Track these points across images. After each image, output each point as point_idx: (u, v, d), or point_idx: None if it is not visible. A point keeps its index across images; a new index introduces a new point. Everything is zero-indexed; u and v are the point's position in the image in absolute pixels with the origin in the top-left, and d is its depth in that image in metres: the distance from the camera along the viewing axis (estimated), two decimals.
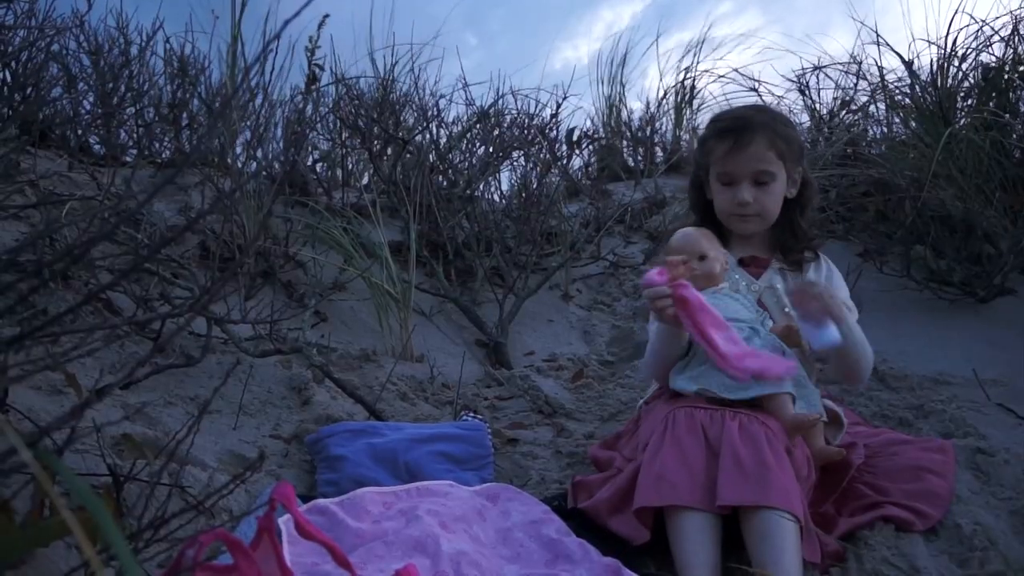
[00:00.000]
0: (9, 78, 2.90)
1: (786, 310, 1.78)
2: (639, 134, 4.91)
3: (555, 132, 3.98)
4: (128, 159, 3.45)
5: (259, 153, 3.23)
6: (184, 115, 3.58)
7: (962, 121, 2.98)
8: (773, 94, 4.24)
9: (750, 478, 1.44)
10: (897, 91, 3.46)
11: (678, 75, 4.90)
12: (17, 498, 1.16)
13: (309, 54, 3.05)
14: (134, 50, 3.52)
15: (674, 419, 1.58)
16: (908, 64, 3.26)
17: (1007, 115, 2.98)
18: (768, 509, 1.41)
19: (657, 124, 4.90)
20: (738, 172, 1.83)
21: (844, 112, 3.98)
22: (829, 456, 1.64)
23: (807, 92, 4.12)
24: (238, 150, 3.16)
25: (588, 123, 4.87)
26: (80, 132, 3.36)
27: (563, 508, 1.67)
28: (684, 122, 4.90)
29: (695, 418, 1.57)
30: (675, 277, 1.60)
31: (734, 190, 1.84)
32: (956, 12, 3.14)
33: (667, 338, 1.74)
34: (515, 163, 3.91)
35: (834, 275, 1.92)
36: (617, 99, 4.85)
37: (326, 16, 3.13)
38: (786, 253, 1.91)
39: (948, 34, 3.14)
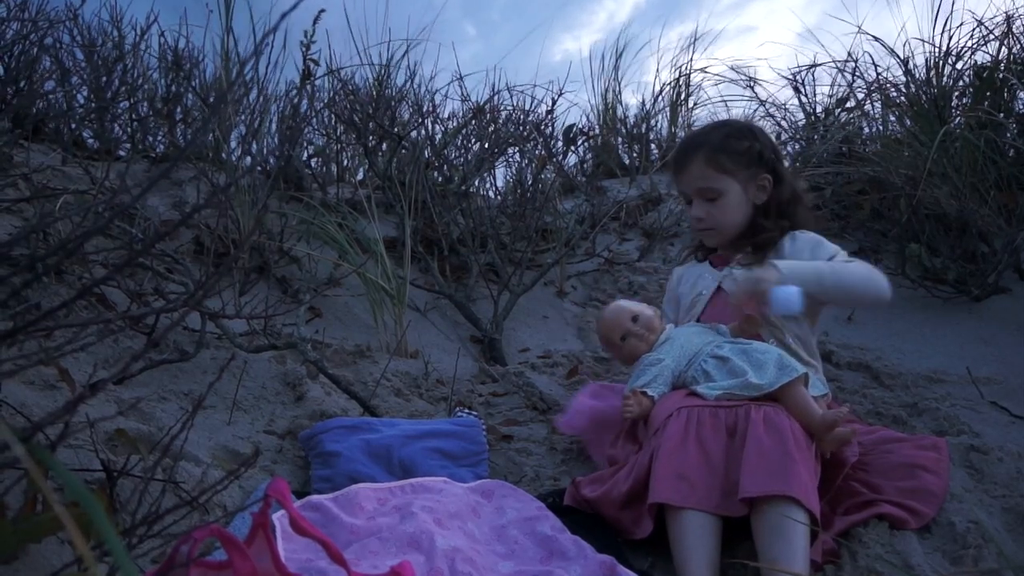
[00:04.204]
0: (2, 71, 2.89)
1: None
2: (634, 131, 4.91)
3: (551, 128, 3.98)
4: (122, 153, 3.44)
5: (254, 148, 3.22)
6: (178, 109, 3.57)
7: (957, 120, 2.99)
8: (768, 92, 4.25)
9: (773, 469, 1.45)
10: (892, 89, 3.47)
11: (674, 71, 4.90)
12: (10, 494, 1.16)
13: (304, 49, 3.04)
14: (128, 44, 3.51)
15: (699, 418, 1.58)
16: (904, 62, 3.27)
17: (1001, 114, 2.98)
18: (784, 504, 1.42)
19: (652, 121, 4.91)
20: (686, 191, 2.04)
21: (839, 110, 3.98)
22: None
23: (802, 90, 4.12)
24: (233, 145, 3.15)
25: (584, 120, 4.87)
26: (74, 126, 3.34)
27: (558, 505, 1.67)
28: (679, 119, 4.90)
29: (719, 417, 1.58)
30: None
31: (691, 207, 2.03)
32: (949, 12, 3.14)
33: None
34: (510, 159, 3.91)
35: (817, 240, 1.96)
36: (613, 96, 4.85)
37: (321, 11, 3.12)
38: (755, 250, 2.01)
39: (943, 33, 3.15)
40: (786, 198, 2.00)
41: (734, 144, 1.97)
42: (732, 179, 1.95)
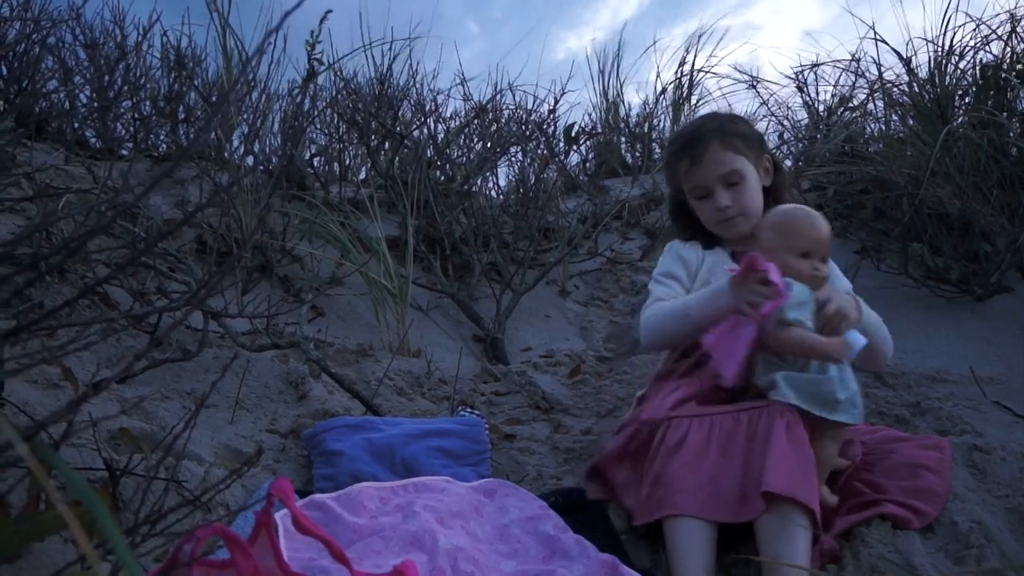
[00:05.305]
0: (5, 71, 2.89)
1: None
2: (637, 130, 4.90)
3: (553, 128, 3.98)
4: (124, 152, 3.44)
5: (256, 147, 3.22)
6: (181, 108, 3.57)
7: (960, 119, 2.98)
8: (771, 91, 4.24)
9: (796, 475, 1.45)
10: (895, 89, 3.46)
11: (677, 70, 4.89)
12: (13, 492, 1.16)
13: (309, 48, 3.04)
14: (130, 43, 3.52)
15: (721, 425, 1.57)
16: (906, 62, 3.26)
17: (1004, 114, 2.98)
18: (795, 511, 1.42)
19: (655, 120, 4.90)
20: (706, 182, 1.88)
21: (842, 109, 3.97)
22: (836, 466, 1.66)
23: (805, 89, 4.12)
24: (235, 144, 3.15)
25: (586, 119, 4.86)
26: (76, 125, 3.35)
27: (560, 504, 1.67)
28: (682, 119, 4.89)
29: (741, 422, 1.56)
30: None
31: (711, 200, 1.89)
32: (952, 11, 3.14)
33: (713, 314, 1.69)
34: (513, 158, 3.91)
35: (832, 264, 1.92)
36: (615, 95, 4.85)
37: (328, 12, 3.12)
38: None
39: (946, 32, 3.14)
40: (786, 184, 1.98)
41: (737, 127, 1.93)
42: (747, 160, 1.88)
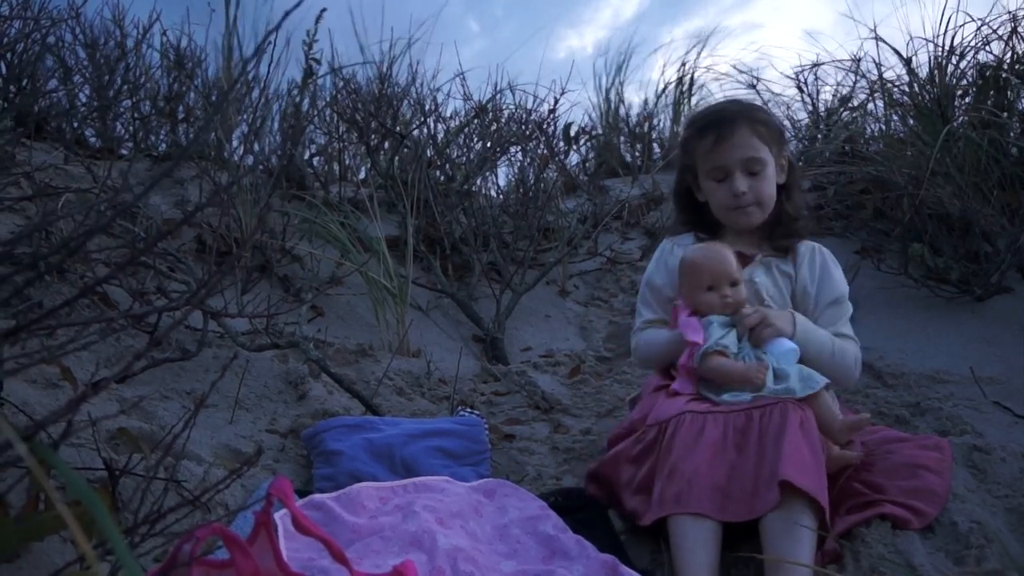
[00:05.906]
0: (4, 70, 2.89)
1: (765, 303, 1.83)
2: (637, 130, 4.90)
3: (553, 127, 3.98)
4: (124, 152, 3.44)
5: (256, 147, 3.22)
6: (180, 108, 3.57)
7: (960, 119, 2.98)
8: (772, 91, 4.23)
9: (810, 471, 1.45)
10: (895, 89, 3.46)
11: (678, 69, 4.89)
12: (12, 492, 1.16)
13: (306, 48, 3.04)
14: (130, 42, 3.51)
15: (734, 424, 1.56)
16: (907, 62, 3.26)
17: (1005, 114, 2.98)
18: (803, 510, 1.43)
19: (655, 120, 4.90)
20: (728, 163, 1.82)
21: (843, 109, 3.97)
22: (846, 461, 1.66)
23: (806, 89, 4.12)
24: (235, 144, 3.15)
25: (586, 119, 4.86)
26: (76, 125, 3.35)
27: (560, 504, 1.67)
28: (682, 118, 4.89)
29: (754, 419, 1.55)
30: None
31: (728, 183, 1.83)
32: (952, 11, 3.14)
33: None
34: (513, 158, 3.91)
35: (828, 269, 1.91)
36: (616, 94, 4.85)
37: (323, 11, 3.12)
38: (774, 241, 1.91)
39: (946, 32, 3.14)
40: (795, 180, 1.94)
41: (765, 116, 1.90)
42: (769, 151, 1.84)
